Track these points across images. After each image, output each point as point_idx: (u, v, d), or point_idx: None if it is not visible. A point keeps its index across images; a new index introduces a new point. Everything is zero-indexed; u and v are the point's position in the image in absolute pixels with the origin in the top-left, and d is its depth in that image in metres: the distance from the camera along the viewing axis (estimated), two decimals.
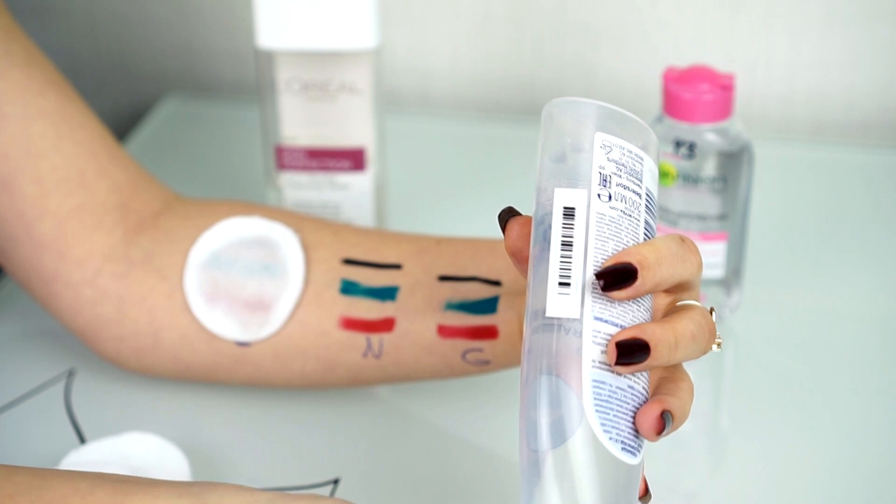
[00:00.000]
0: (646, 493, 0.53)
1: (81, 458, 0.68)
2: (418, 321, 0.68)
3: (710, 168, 0.77)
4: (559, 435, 0.50)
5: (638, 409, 0.51)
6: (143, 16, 1.10)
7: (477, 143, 1.03)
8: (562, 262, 0.51)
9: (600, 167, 0.53)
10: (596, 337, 0.51)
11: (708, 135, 0.77)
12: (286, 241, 0.71)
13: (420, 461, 0.71)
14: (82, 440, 0.72)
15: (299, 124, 0.81)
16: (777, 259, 0.87)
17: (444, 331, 0.68)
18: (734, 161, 0.77)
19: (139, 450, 0.69)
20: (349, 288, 0.70)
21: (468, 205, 0.95)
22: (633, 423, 0.51)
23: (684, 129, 0.77)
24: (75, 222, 0.71)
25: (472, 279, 0.68)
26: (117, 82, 1.13)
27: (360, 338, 0.69)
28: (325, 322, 0.70)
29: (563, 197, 0.52)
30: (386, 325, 0.69)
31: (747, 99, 1.01)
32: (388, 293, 0.69)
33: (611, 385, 0.51)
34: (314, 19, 0.77)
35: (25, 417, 0.74)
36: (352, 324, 0.69)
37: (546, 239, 0.52)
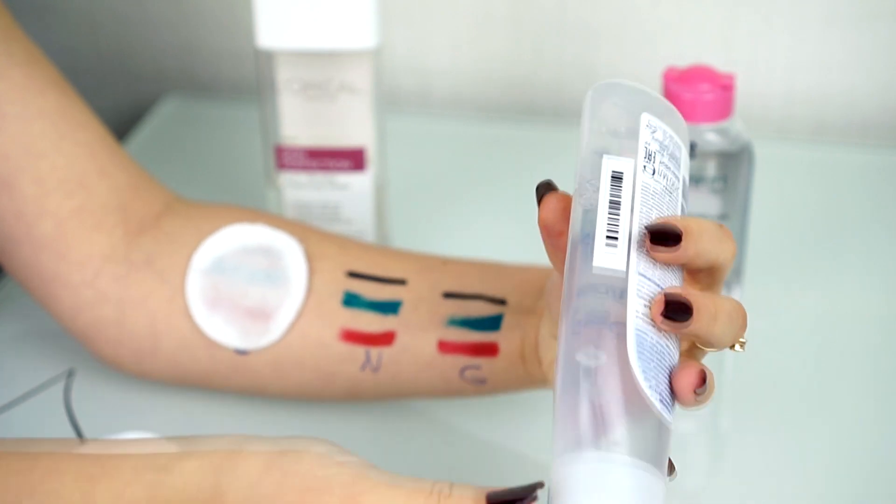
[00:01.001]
0: (671, 470, 0.53)
1: None
2: (419, 336, 0.68)
3: (710, 168, 0.77)
4: (599, 377, 0.50)
5: (670, 376, 0.52)
6: (143, 16, 1.10)
7: (477, 142, 1.03)
8: (609, 218, 0.53)
9: (646, 143, 0.55)
10: (640, 291, 0.52)
11: (708, 135, 0.77)
12: (290, 250, 0.71)
13: (420, 462, 0.71)
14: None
15: (299, 124, 0.81)
16: (777, 259, 0.87)
17: (444, 346, 0.67)
18: (734, 161, 0.77)
19: None
20: (352, 300, 0.70)
21: (468, 205, 0.95)
22: (670, 383, 0.52)
23: None
24: (75, 223, 0.71)
25: (477, 297, 0.68)
26: (117, 82, 1.13)
27: (359, 350, 0.69)
28: (326, 333, 0.70)
29: (610, 163, 0.54)
30: (386, 338, 0.69)
31: (747, 99, 1.01)
32: (390, 307, 0.69)
33: (652, 338, 0.51)
34: (314, 19, 0.77)
35: (25, 417, 0.74)
36: (352, 336, 0.69)
37: (590, 221, 0.53)
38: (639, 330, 0.51)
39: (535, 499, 0.49)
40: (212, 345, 0.71)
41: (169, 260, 0.71)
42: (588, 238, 0.53)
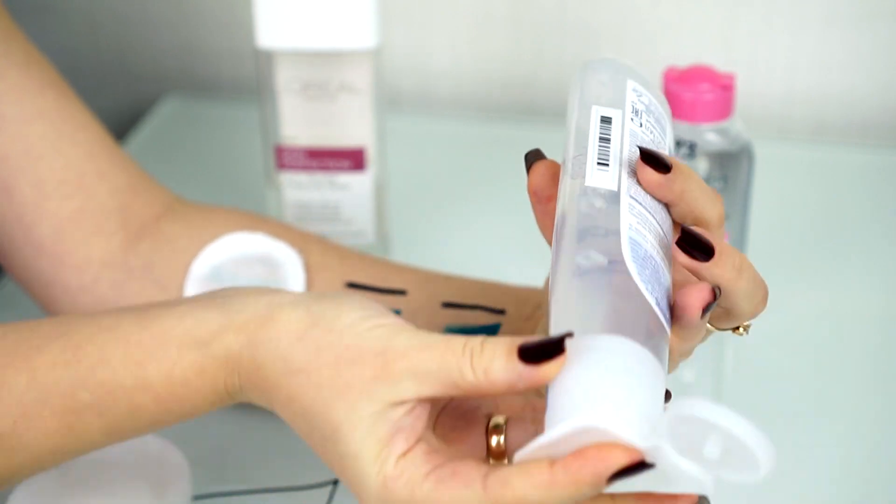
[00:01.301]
0: (667, 396, 0.52)
1: (82, 458, 0.68)
2: None
3: (710, 168, 0.77)
4: (595, 275, 0.50)
5: (666, 294, 0.52)
6: (143, 16, 1.10)
7: (477, 142, 1.03)
8: (600, 147, 0.54)
9: (633, 102, 0.56)
10: (632, 209, 0.52)
11: (708, 134, 0.77)
12: (289, 260, 0.71)
13: None
14: None
15: (299, 124, 0.81)
16: (777, 259, 0.87)
17: None
18: (734, 161, 0.77)
19: (139, 450, 0.69)
20: None
21: (468, 205, 0.95)
22: (668, 301, 0.51)
23: (684, 129, 0.76)
24: (74, 226, 0.71)
25: (476, 307, 0.67)
26: (117, 82, 1.13)
27: None
28: None
29: (600, 110, 0.55)
30: None
31: (747, 99, 1.01)
32: None
33: (645, 251, 0.51)
34: (314, 19, 0.77)
35: None
36: None
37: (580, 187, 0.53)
38: (632, 239, 0.51)
39: (563, 350, 0.48)
40: None
41: (167, 267, 0.71)
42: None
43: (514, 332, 0.65)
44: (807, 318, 0.82)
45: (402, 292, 0.69)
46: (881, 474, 0.70)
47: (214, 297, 0.55)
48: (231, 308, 0.54)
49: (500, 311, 0.67)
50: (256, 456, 0.71)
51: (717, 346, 0.80)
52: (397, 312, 0.68)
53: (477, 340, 0.50)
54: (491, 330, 0.66)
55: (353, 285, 0.70)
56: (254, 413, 0.74)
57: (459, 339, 0.50)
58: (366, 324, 0.52)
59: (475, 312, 0.67)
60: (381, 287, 0.70)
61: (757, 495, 0.69)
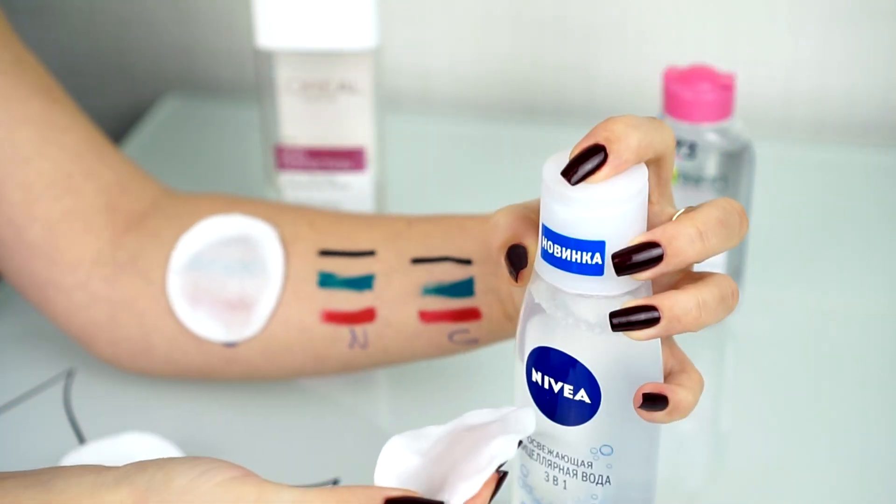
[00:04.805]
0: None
1: (81, 459, 0.68)
2: (398, 309, 0.68)
3: (710, 168, 0.77)
4: None
5: None
6: (142, 16, 1.10)
7: (477, 142, 1.03)
8: None
9: None
10: None
11: (708, 134, 0.77)
12: (265, 237, 0.71)
13: None
14: (81, 440, 0.72)
15: (299, 124, 0.81)
16: (778, 259, 0.87)
17: (427, 316, 0.67)
18: (735, 161, 0.77)
19: (138, 450, 0.69)
20: (326, 280, 0.70)
21: (468, 205, 0.94)
22: None
23: (685, 129, 0.77)
24: (65, 227, 0.71)
25: (443, 259, 0.68)
26: (117, 82, 1.13)
27: (343, 330, 0.69)
28: (307, 317, 0.69)
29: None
30: (367, 315, 0.68)
31: (747, 99, 1.01)
32: (364, 282, 0.69)
33: None
34: (314, 19, 0.77)
35: (25, 418, 0.74)
36: (333, 317, 0.69)
37: None
38: None
39: None
40: (200, 340, 0.71)
41: (151, 259, 0.71)
42: None
43: (489, 290, 0.66)
44: (807, 318, 0.82)
45: (371, 253, 0.69)
46: (882, 475, 0.70)
47: (40, 475, 0.53)
48: (53, 487, 0.53)
49: (467, 262, 0.66)
50: (256, 455, 0.71)
51: (718, 346, 0.80)
52: (372, 277, 0.68)
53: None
54: (465, 286, 0.66)
55: (325, 253, 0.70)
56: (253, 414, 0.74)
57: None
58: (207, 483, 0.52)
59: (444, 265, 0.67)
60: (352, 251, 0.70)
61: (758, 495, 0.69)
